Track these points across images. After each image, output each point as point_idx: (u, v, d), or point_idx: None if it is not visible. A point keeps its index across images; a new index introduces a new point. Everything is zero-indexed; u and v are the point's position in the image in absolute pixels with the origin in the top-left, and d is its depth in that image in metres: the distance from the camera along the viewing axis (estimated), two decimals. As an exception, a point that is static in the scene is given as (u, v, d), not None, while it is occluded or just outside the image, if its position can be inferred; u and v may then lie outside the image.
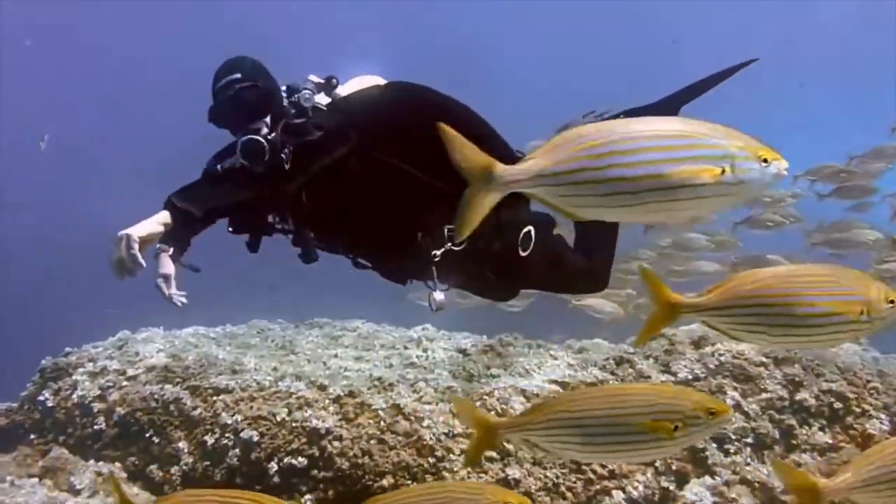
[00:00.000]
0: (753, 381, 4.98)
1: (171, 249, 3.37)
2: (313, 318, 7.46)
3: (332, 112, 3.47)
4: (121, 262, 3.11)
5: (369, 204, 3.45)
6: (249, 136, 3.29)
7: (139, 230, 3.20)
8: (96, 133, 22.66)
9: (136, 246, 3.12)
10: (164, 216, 3.17)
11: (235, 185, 3.35)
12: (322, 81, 3.55)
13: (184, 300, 3.26)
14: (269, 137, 3.30)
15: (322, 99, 3.52)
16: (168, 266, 3.30)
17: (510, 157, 3.66)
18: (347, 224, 3.52)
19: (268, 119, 3.37)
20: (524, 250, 3.78)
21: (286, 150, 3.31)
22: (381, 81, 3.75)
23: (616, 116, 4.14)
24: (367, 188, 3.43)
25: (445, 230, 3.55)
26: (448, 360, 5.99)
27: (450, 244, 3.55)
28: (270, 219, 3.56)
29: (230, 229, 3.51)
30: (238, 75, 3.37)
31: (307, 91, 3.45)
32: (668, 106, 4.08)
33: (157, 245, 3.40)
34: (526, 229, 3.79)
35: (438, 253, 3.53)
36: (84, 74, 23.08)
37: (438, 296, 3.60)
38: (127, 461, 4.86)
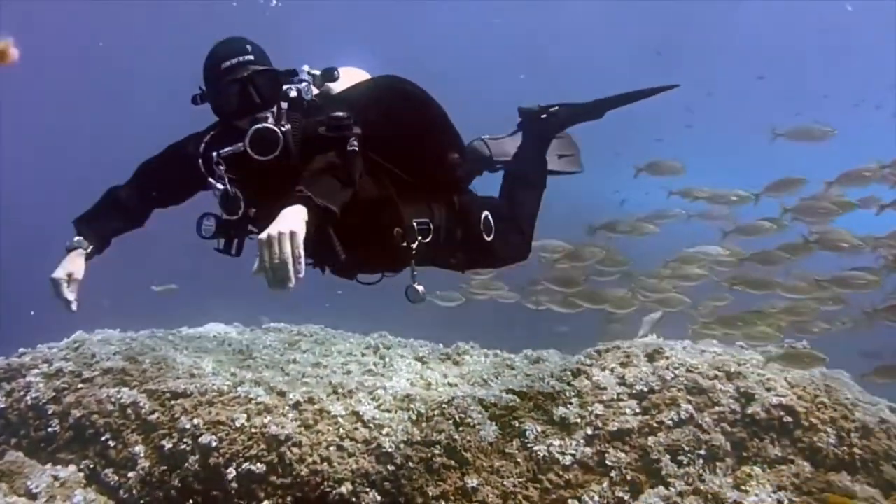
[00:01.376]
0: (706, 393, 5.07)
1: (90, 248, 3.42)
2: (269, 322, 7.44)
3: (337, 106, 3.41)
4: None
5: (361, 201, 3.39)
6: (265, 125, 3.20)
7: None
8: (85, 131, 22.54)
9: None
10: (301, 213, 2.82)
11: (345, 182, 3.17)
12: (317, 73, 3.51)
13: (74, 307, 3.27)
14: (283, 128, 3.23)
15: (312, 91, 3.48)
16: (75, 266, 3.32)
17: (460, 148, 3.82)
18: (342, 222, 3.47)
19: (275, 108, 3.29)
20: (488, 235, 3.94)
21: (354, 144, 3.24)
22: (365, 75, 3.78)
23: (552, 107, 4.72)
24: (361, 185, 3.37)
25: (416, 224, 3.61)
26: (406, 367, 6.03)
27: (420, 237, 3.60)
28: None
29: (204, 234, 3.48)
30: (251, 57, 3.27)
31: (304, 82, 3.41)
32: (598, 108, 4.69)
33: (76, 239, 3.41)
34: (484, 214, 3.91)
35: (414, 246, 3.57)
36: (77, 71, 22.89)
37: (420, 287, 3.64)
38: (82, 464, 4.79)
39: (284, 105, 3.35)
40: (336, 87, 3.65)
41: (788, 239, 7.15)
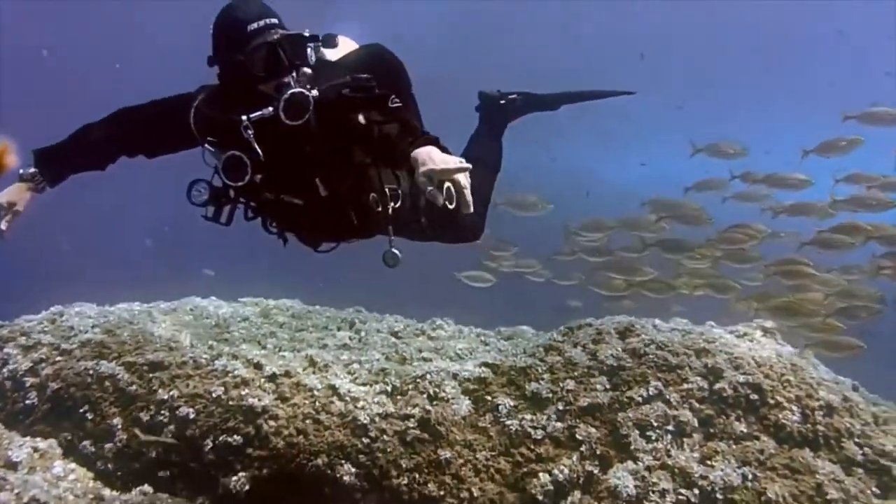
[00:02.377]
0: (675, 371, 5.18)
1: (42, 184, 3.40)
2: (245, 296, 7.47)
3: (339, 72, 3.48)
4: None
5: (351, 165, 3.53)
6: (299, 90, 3.20)
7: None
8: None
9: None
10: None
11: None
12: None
13: (5, 227, 3.23)
14: (312, 94, 3.23)
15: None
16: (21, 197, 3.30)
17: (419, 118, 3.92)
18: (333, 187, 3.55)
19: (294, 73, 3.28)
20: (451, 204, 4.00)
21: (396, 101, 3.34)
22: (354, 44, 3.82)
23: (511, 94, 4.80)
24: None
25: (388, 189, 3.68)
26: (381, 342, 6.09)
27: (392, 203, 3.68)
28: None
29: (194, 200, 3.49)
30: (276, 20, 3.27)
31: (309, 48, 3.40)
32: (556, 101, 4.99)
33: (31, 171, 3.38)
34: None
35: (390, 210, 3.65)
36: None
37: (397, 251, 3.71)
38: (60, 436, 4.81)
39: None
40: (329, 55, 3.67)
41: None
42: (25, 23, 21.41)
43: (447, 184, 2.77)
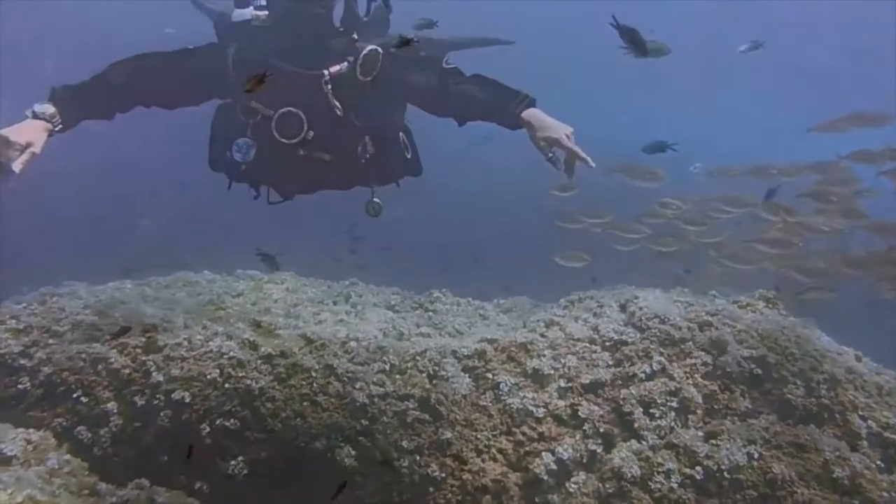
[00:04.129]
0: (678, 345, 5.11)
1: (59, 127, 3.17)
2: (236, 269, 7.35)
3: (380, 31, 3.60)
4: None
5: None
6: (374, 48, 3.31)
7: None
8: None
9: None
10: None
11: None
12: None
13: (14, 177, 2.90)
14: (380, 51, 3.32)
15: None
16: (38, 138, 3.01)
17: None
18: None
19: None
20: (407, 153, 4.15)
21: (450, 62, 3.42)
22: None
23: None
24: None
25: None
26: (378, 317, 5.99)
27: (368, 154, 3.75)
28: None
29: (239, 158, 3.45)
30: None
31: None
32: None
33: (49, 112, 3.15)
34: (401, 135, 4.11)
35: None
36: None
37: (378, 201, 3.80)
38: (54, 422, 4.72)
39: None
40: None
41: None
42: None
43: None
